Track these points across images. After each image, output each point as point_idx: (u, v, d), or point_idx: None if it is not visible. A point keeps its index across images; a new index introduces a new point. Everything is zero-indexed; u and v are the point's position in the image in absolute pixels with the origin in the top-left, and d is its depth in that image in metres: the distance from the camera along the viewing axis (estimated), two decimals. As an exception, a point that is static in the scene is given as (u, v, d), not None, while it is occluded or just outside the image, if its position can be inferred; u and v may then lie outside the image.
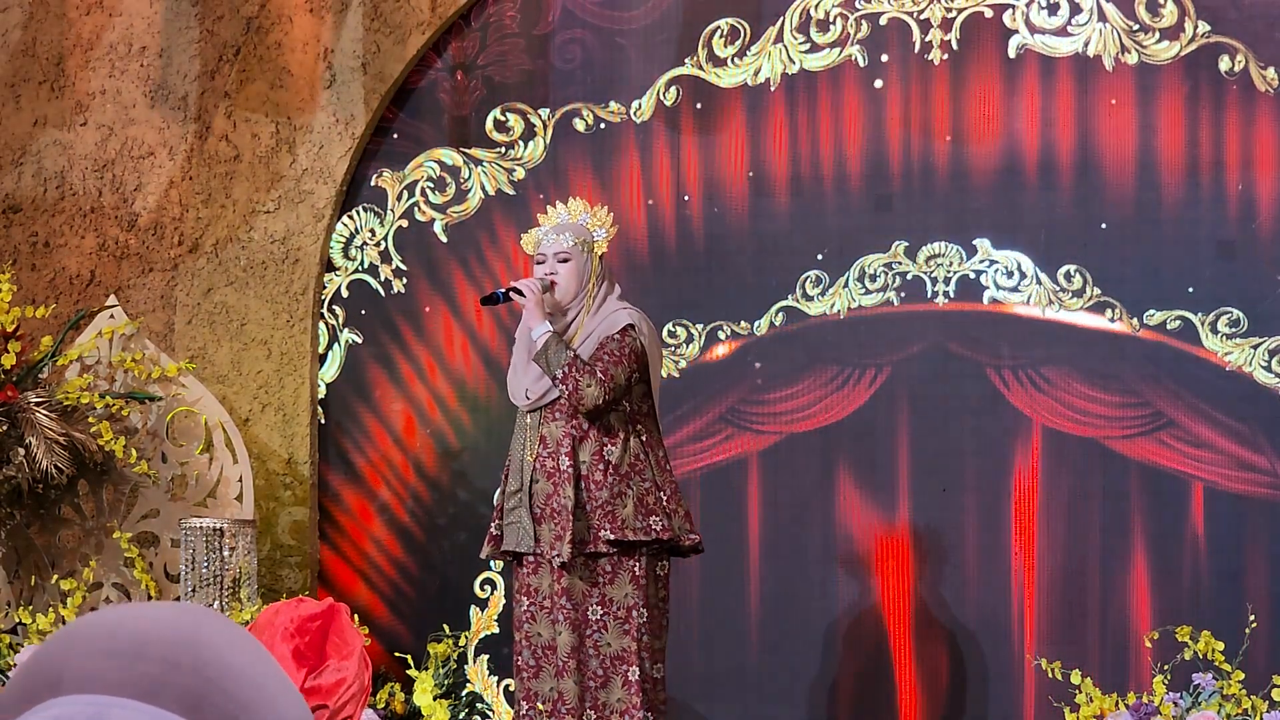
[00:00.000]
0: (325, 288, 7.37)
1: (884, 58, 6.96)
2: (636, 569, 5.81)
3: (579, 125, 7.21)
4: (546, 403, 5.86)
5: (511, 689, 6.68)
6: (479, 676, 7.17)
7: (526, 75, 7.25)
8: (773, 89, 7.04)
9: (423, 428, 7.30)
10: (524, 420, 5.93)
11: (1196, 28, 6.72)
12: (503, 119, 7.27)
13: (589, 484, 5.78)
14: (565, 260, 5.91)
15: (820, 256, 6.97)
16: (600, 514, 5.76)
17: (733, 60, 7.08)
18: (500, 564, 6.30)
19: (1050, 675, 6.32)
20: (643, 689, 5.79)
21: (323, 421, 7.35)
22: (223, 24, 7.38)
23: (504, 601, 7.15)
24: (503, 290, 5.95)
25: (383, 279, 7.36)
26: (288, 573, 7.25)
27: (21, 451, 6.76)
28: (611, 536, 5.74)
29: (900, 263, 6.93)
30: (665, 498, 5.84)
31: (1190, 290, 6.69)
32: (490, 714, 7.01)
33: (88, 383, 7.01)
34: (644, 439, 5.87)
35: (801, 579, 6.95)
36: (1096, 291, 6.76)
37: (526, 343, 5.93)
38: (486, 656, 7.18)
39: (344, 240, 7.38)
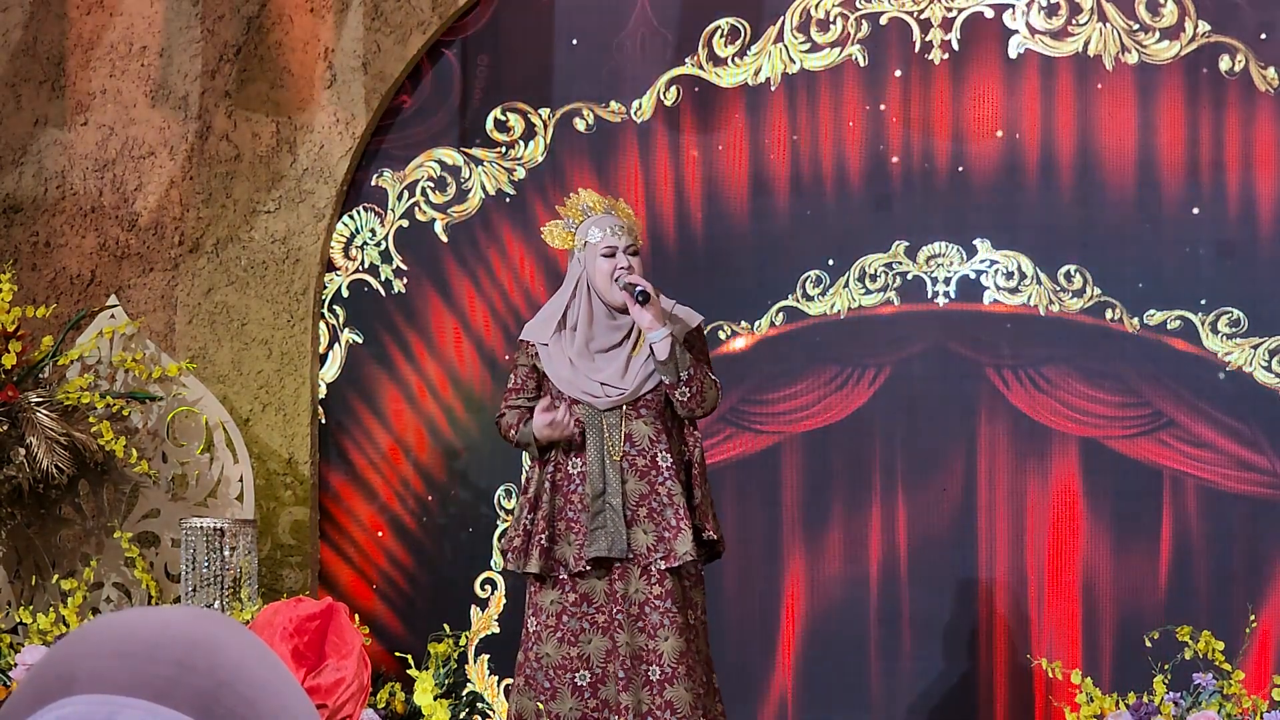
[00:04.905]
0: (326, 288, 7.37)
1: (884, 57, 6.97)
2: (702, 574, 5.70)
3: (579, 125, 7.21)
4: (632, 399, 5.62)
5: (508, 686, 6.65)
6: (479, 676, 7.17)
7: (527, 74, 7.25)
8: (773, 89, 7.04)
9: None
10: (596, 420, 5.62)
11: (1196, 28, 6.73)
12: (503, 119, 7.28)
13: (678, 483, 5.57)
14: (635, 254, 5.70)
15: (831, 262, 6.97)
16: (698, 513, 5.60)
17: (733, 60, 7.08)
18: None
19: (1050, 675, 6.33)
20: (707, 698, 5.61)
21: (323, 421, 7.35)
22: (223, 24, 7.38)
23: (505, 601, 7.15)
24: (641, 288, 5.60)
25: (383, 279, 7.36)
26: (288, 573, 7.25)
27: (22, 451, 6.76)
28: (714, 536, 5.60)
29: (900, 263, 6.93)
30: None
31: (1190, 290, 6.69)
32: (491, 714, 7.01)
33: (88, 383, 7.01)
34: (704, 444, 5.80)
35: (800, 578, 6.95)
36: (1096, 291, 6.76)
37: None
38: (487, 656, 7.18)
39: (344, 240, 7.38)
